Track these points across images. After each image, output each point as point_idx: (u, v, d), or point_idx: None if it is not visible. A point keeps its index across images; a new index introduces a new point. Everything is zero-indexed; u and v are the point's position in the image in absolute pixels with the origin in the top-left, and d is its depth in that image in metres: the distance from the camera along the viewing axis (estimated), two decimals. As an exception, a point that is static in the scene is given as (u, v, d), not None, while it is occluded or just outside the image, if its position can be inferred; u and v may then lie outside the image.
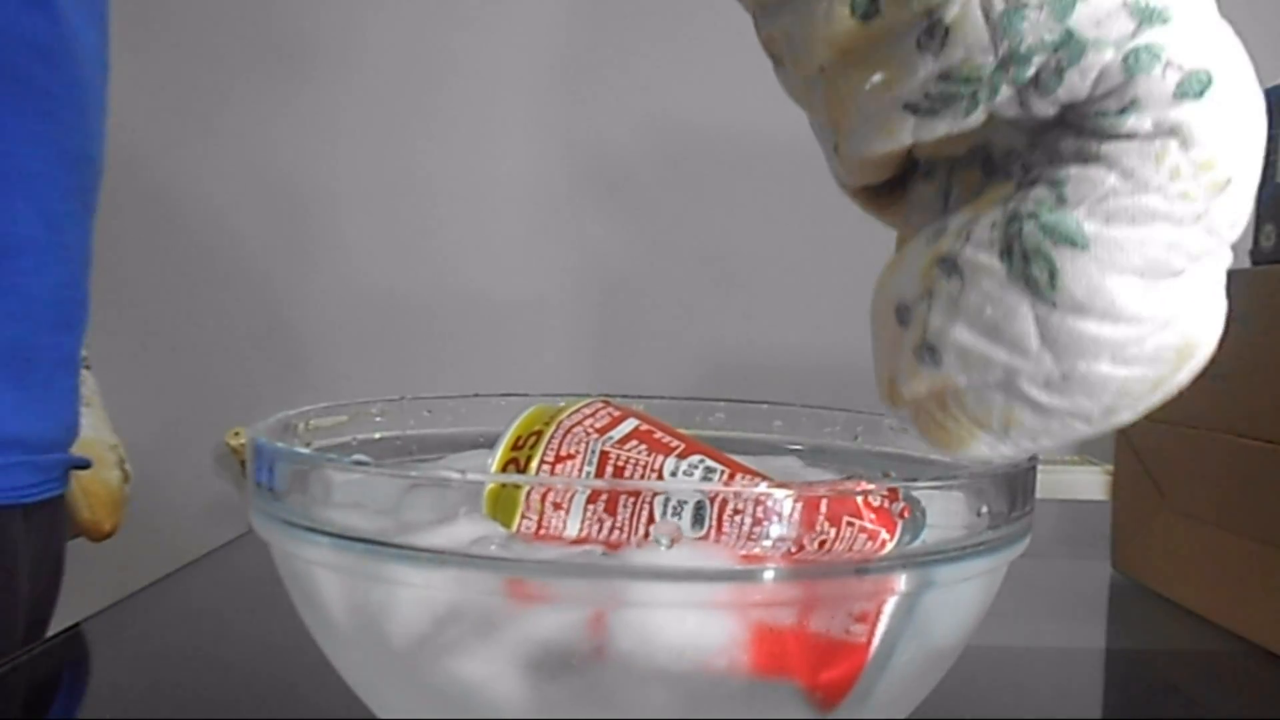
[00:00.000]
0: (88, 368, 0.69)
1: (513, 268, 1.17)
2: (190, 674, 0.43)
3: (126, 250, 1.14)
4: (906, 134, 0.25)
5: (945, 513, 0.27)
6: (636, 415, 0.32)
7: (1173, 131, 0.23)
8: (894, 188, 0.30)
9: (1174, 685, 0.46)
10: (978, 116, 0.24)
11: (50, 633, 0.47)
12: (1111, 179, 0.23)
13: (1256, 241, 0.53)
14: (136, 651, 0.46)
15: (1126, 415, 0.24)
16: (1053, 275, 0.23)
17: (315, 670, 0.30)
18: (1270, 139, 0.51)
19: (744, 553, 0.23)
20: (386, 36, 1.16)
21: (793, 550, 0.24)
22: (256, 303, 1.18)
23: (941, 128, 0.25)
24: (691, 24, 1.13)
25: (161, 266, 1.17)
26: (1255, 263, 0.53)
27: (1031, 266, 0.23)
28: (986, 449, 0.26)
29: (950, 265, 0.25)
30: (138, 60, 1.13)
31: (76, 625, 0.46)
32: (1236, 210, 0.23)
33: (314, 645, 0.29)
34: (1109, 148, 0.23)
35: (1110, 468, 0.62)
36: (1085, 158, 0.23)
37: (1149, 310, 0.23)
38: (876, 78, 0.25)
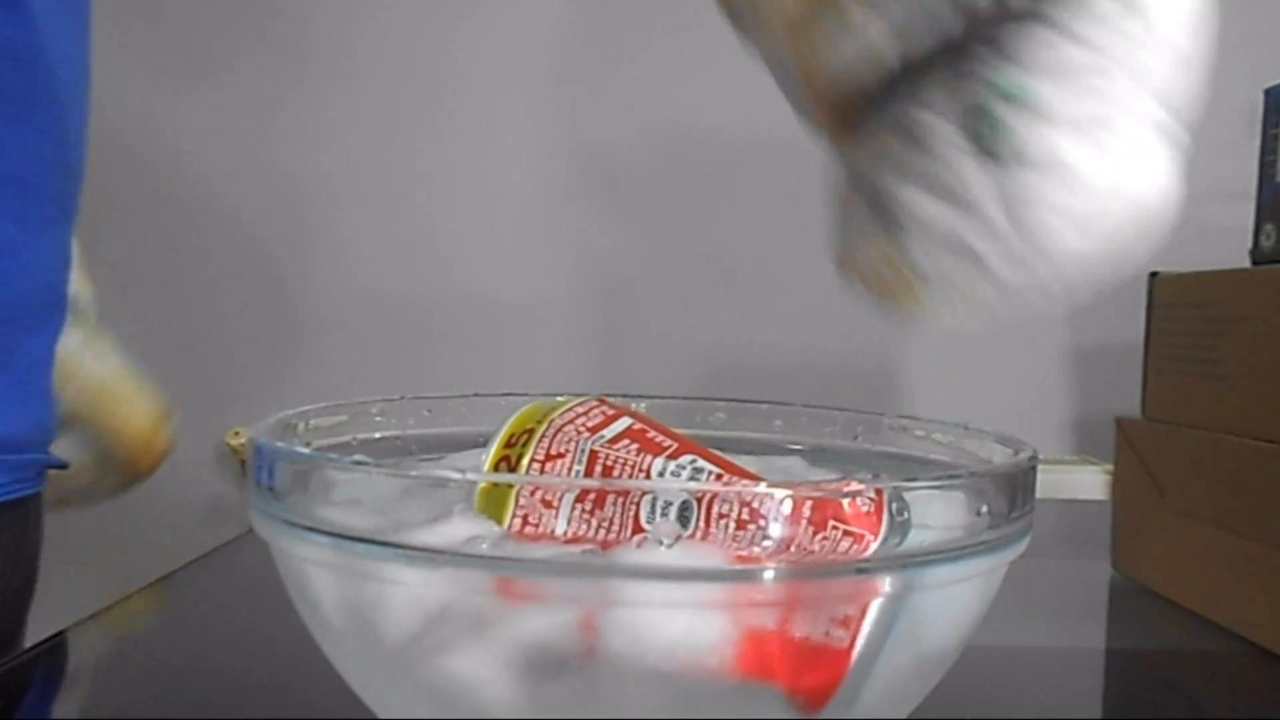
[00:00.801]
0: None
1: (513, 268, 1.17)
2: (190, 674, 0.43)
3: (125, 250, 1.14)
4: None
5: (945, 513, 0.26)
6: (631, 414, 0.32)
7: None
8: (856, 116, 0.30)
9: (1174, 685, 0.46)
10: None
11: (40, 633, 0.47)
12: (1049, 34, 0.24)
13: (1256, 242, 0.53)
14: (136, 651, 0.46)
15: (1085, 293, 0.25)
16: (997, 129, 0.24)
17: (315, 670, 0.30)
18: (1270, 138, 0.51)
19: (730, 553, 0.23)
20: (386, 35, 1.16)
21: (777, 552, 0.24)
22: (256, 303, 1.18)
23: None
24: (691, 24, 1.13)
25: (160, 266, 1.17)
26: (1255, 262, 0.52)
27: (981, 124, 0.24)
28: (942, 315, 0.26)
29: (904, 131, 0.26)
30: (136, 56, 1.13)
31: (76, 625, 0.46)
32: (1165, 69, 0.24)
33: (314, 645, 0.29)
34: (1048, 8, 0.24)
35: (1110, 468, 0.62)
36: (1021, 19, 0.24)
37: (1096, 167, 0.24)
38: None
